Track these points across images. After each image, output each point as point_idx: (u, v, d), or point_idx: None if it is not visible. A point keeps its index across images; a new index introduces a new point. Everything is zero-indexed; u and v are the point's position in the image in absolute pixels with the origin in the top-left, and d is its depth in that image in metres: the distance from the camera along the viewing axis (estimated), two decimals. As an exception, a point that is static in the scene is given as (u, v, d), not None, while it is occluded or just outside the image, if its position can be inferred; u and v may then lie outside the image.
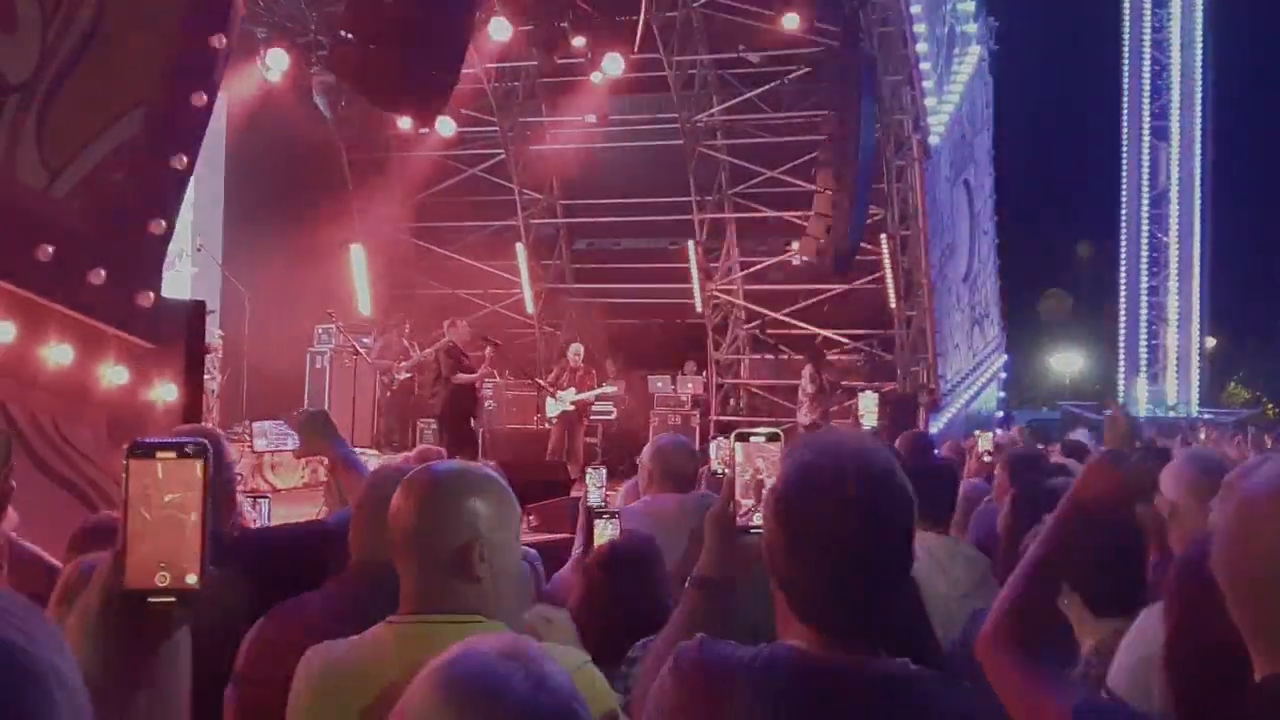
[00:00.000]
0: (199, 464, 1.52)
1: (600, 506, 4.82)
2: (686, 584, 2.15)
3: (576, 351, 16.05)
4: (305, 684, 2.26)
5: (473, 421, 14.13)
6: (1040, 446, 10.55)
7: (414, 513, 2.26)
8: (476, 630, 2.17)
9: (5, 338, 5.01)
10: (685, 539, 3.42)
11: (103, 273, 5.25)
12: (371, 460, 13.44)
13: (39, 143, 5.02)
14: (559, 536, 7.24)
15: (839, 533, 1.82)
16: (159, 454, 1.52)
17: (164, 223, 5.47)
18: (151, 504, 1.51)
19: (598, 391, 16.03)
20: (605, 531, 3.88)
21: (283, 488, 12.50)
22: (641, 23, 16.71)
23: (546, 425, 15.87)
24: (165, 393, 5.61)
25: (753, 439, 2.13)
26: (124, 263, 5.34)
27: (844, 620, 1.84)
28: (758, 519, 2.04)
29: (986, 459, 7.66)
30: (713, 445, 7.06)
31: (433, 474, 2.34)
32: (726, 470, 2.22)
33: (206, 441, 1.55)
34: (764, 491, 2.05)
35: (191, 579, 1.50)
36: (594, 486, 4.84)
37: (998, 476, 5.98)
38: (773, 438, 2.12)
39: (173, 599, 1.50)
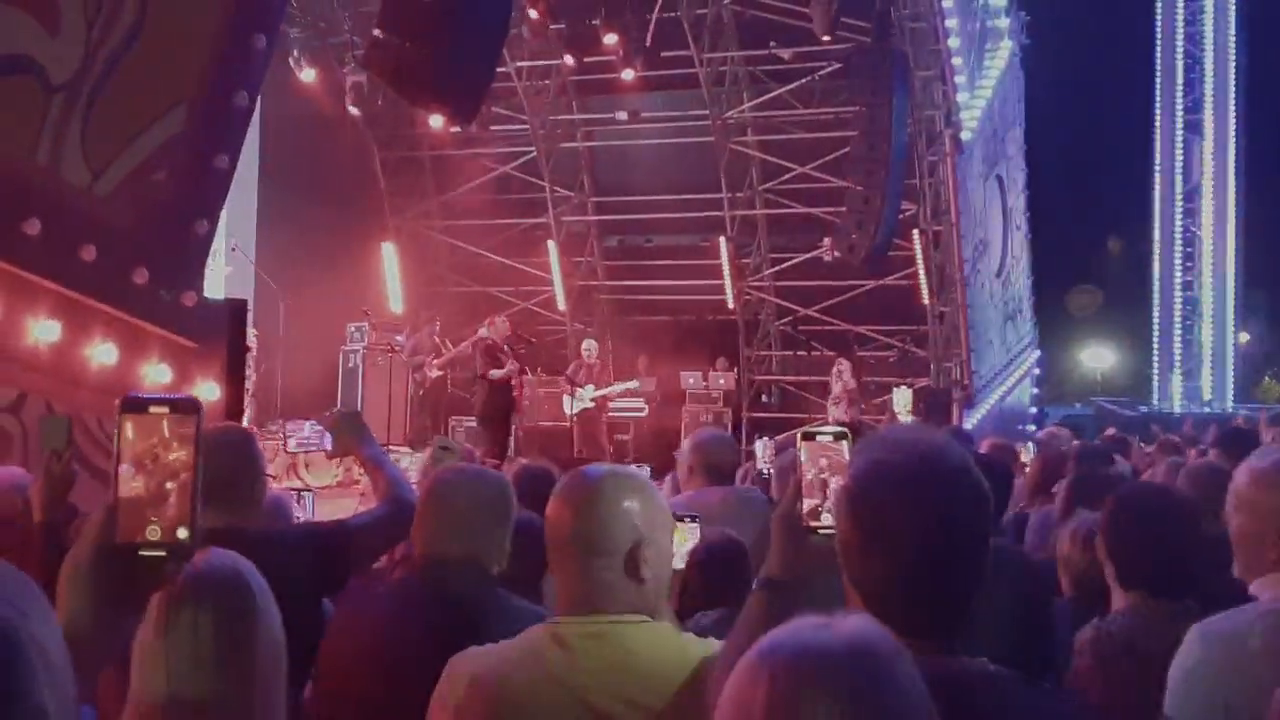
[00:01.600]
0: (192, 420, 1.51)
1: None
2: (754, 586, 2.13)
3: (589, 347, 16.03)
4: (468, 697, 2.23)
5: (513, 419, 14.14)
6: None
7: (575, 517, 2.26)
8: (649, 630, 2.20)
9: (50, 337, 5.03)
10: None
11: (146, 272, 5.27)
12: (403, 459, 13.48)
13: (83, 142, 5.04)
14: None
15: (915, 530, 1.80)
16: (152, 409, 1.51)
17: (207, 222, 5.49)
18: (144, 458, 1.50)
19: (621, 386, 16.01)
20: (686, 537, 3.77)
21: (316, 486, 12.52)
22: (653, 20, 16.67)
23: (570, 423, 15.86)
24: (207, 392, 5.62)
25: (819, 438, 2.10)
26: (167, 262, 5.36)
27: (920, 619, 1.81)
28: (825, 519, 2.02)
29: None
30: (759, 445, 6.99)
31: (590, 478, 2.33)
32: (769, 469, 2.20)
33: (198, 398, 1.54)
34: (829, 490, 2.02)
35: (183, 533, 1.50)
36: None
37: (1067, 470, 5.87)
38: (839, 436, 2.09)
39: (164, 553, 1.49)
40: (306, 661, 3.06)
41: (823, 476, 2.08)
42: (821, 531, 2.03)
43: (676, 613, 3.41)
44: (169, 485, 1.51)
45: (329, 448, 4.06)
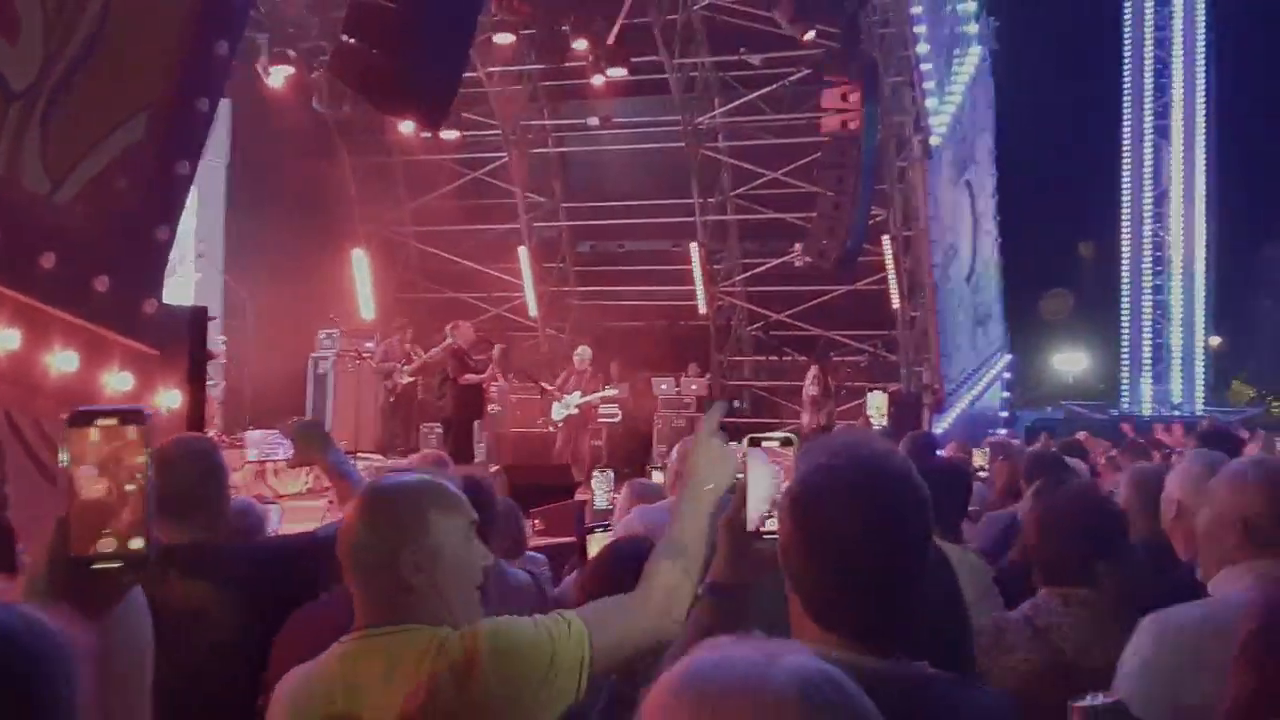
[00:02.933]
0: (139, 430, 1.52)
1: (600, 513, 4.81)
2: (700, 591, 2.13)
3: (582, 355, 16.08)
4: (277, 705, 2.30)
5: (476, 425, 14.13)
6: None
7: (351, 529, 2.29)
8: (409, 637, 2.21)
9: (10, 345, 4.99)
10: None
11: (106, 279, 5.23)
12: (375, 466, 13.43)
13: (43, 149, 5.00)
14: (565, 540, 7.22)
15: (857, 534, 1.81)
16: (99, 421, 1.52)
17: (167, 229, 5.45)
18: (94, 470, 1.50)
19: (602, 394, 16.05)
20: (600, 544, 3.85)
21: (285, 494, 12.46)
22: (623, 25, 16.68)
23: (551, 429, 15.86)
24: (169, 399, 5.59)
25: (765, 443, 2.10)
26: (128, 269, 5.32)
27: (862, 622, 1.82)
28: (771, 524, 2.02)
29: (982, 475, 7.52)
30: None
31: (368, 489, 2.38)
32: (738, 475, 2.19)
33: (145, 408, 1.55)
34: (777, 496, 2.03)
35: (137, 543, 1.51)
36: (600, 490, 4.83)
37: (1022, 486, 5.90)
38: (786, 442, 2.09)
39: (119, 564, 1.50)
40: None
41: (767, 478, 2.09)
42: (767, 537, 2.03)
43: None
44: (121, 497, 1.51)
45: (289, 457, 4.02)
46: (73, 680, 1.23)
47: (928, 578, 1.88)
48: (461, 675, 2.14)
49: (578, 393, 15.61)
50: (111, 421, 1.53)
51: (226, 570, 3.11)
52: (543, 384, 16.06)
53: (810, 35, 15.95)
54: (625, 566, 3.49)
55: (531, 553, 4.43)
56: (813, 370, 16.42)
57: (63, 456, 1.53)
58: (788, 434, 2.12)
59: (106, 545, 1.51)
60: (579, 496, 10.15)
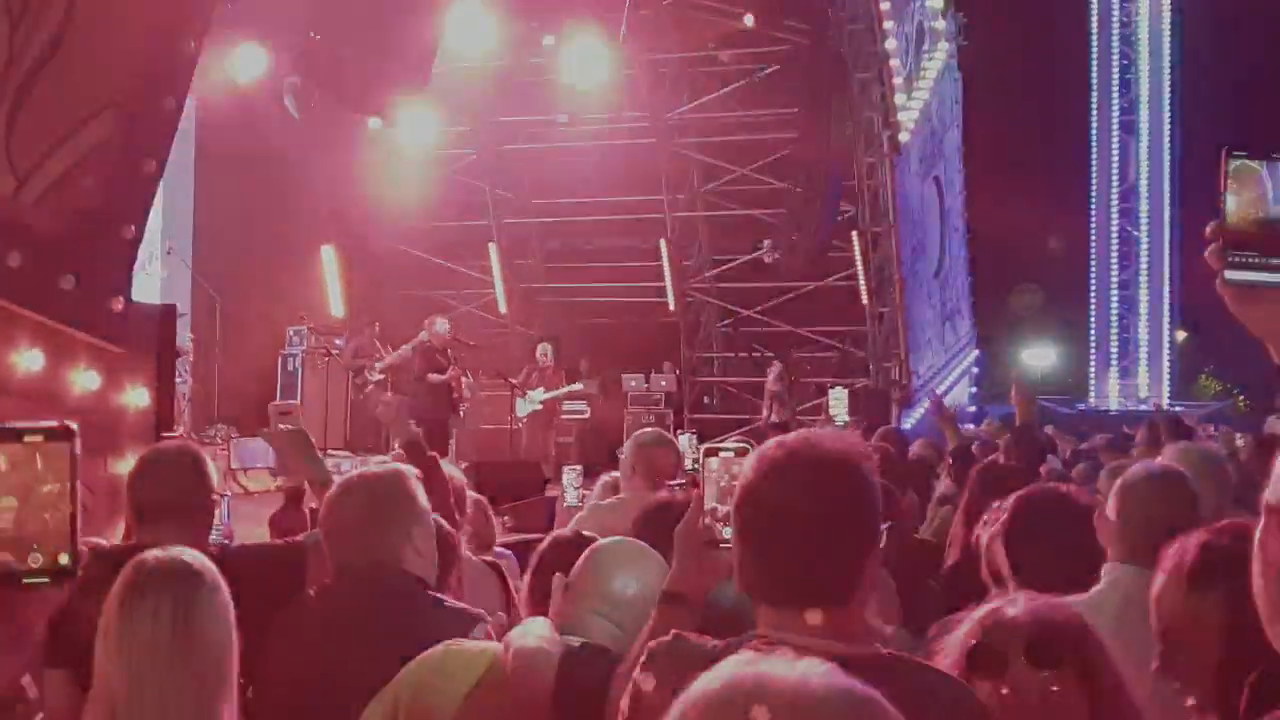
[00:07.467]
0: (66, 446, 1.54)
1: (571, 509, 4.83)
2: (659, 600, 2.16)
3: (544, 351, 16.07)
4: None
5: (451, 421, 14.11)
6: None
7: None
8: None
9: (-26, 345, 4.98)
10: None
11: (72, 278, 5.21)
12: (343, 463, 13.38)
13: (7, 147, 4.98)
14: (534, 536, 7.23)
15: (781, 506, 1.85)
16: (26, 437, 1.54)
17: (134, 227, 5.44)
18: (21, 486, 1.52)
19: (566, 390, 16.03)
20: None
21: (256, 490, 12.42)
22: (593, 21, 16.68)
23: (519, 425, 15.85)
24: (137, 398, 5.58)
25: (721, 453, 2.14)
26: (94, 268, 5.31)
27: (799, 595, 1.85)
28: (726, 532, 2.05)
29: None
30: (683, 439, 6.99)
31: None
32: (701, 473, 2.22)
33: (72, 424, 1.57)
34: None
35: (64, 559, 1.53)
36: (571, 486, 4.84)
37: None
38: (741, 451, 2.12)
39: (46, 579, 1.52)
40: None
41: (723, 486, 2.12)
42: (723, 545, 2.06)
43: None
44: (48, 511, 1.53)
45: (274, 465, 4.04)
46: None
47: None
48: None
49: (541, 389, 15.59)
50: (38, 437, 1.54)
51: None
52: (512, 380, 16.04)
53: (748, 19, 15.88)
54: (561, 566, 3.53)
55: (500, 548, 4.45)
56: (776, 366, 16.47)
57: None
58: (742, 443, 2.15)
59: (35, 561, 1.53)
60: (549, 493, 10.19)
